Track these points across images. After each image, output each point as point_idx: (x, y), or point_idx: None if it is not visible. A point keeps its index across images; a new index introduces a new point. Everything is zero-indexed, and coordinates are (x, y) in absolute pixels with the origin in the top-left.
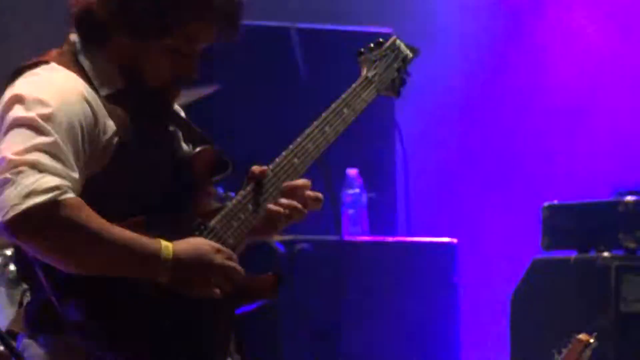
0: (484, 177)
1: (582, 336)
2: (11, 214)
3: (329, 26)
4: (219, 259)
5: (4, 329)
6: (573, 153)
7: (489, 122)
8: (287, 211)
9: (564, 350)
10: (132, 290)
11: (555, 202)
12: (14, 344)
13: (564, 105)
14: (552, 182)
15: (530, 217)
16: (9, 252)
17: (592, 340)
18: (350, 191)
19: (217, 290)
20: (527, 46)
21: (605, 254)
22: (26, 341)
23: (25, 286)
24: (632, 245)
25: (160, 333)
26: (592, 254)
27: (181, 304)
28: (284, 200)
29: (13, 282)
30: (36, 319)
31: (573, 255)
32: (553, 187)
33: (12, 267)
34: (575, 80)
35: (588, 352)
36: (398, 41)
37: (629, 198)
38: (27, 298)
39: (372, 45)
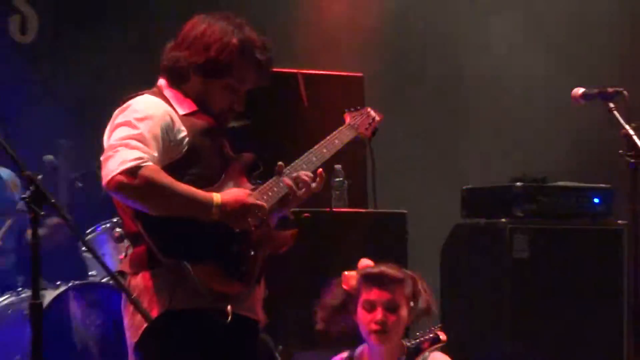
0: (425, 167)
1: None
2: (110, 176)
3: (322, 71)
4: (250, 199)
5: (115, 271)
6: (485, 149)
7: (429, 126)
8: (299, 185)
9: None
10: (201, 227)
11: (470, 185)
12: (123, 280)
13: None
14: (470, 171)
15: (454, 195)
16: (115, 219)
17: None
18: (337, 179)
19: (252, 222)
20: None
21: (503, 220)
22: (130, 278)
23: (127, 243)
24: (520, 214)
25: (218, 257)
26: (495, 220)
27: (236, 236)
28: (300, 174)
29: (118, 239)
30: (136, 261)
31: (482, 220)
32: (470, 174)
33: (117, 229)
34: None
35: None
36: (369, 109)
37: (518, 184)
38: (130, 250)
39: (353, 108)
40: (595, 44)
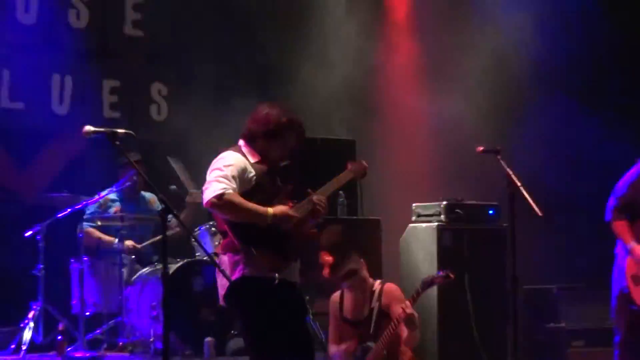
0: (391, 192)
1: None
2: (207, 199)
3: (330, 136)
4: (290, 212)
5: (211, 253)
6: (428, 181)
7: (394, 167)
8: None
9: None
10: (262, 228)
11: (419, 203)
12: (216, 258)
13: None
14: (417, 193)
15: (408, 208)
16: (210, 223)
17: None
18: (340, 199)
19: (291, 225)
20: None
21: (436, 223)
22: (221, 256)
23: (219, 236)
24: (446, 220)
25: (274, 242)
26: (431, 223)
27: (282, 233)
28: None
29: (213, 234)
30: (224, 247)
31: (424, 224)
32: (417, 195)
33: (212, 228)
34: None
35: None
36: (362, 161)
37: (444, 202)
38: (221, 240)
39: (355, 159)
40: (484, 110)
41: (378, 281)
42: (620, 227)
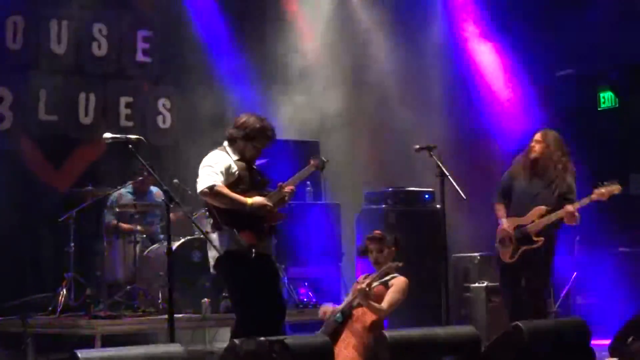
0: (347, 181)
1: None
2: (200, 189)
3: (300, 138)
4: (265, 201)
5: (205, 231)
6: (377, 171)
7: (347, 157)
8: (288, 192)
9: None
10: (241, 213)
11: (370, 190)
12: (209, 235)
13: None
14: (368, 181)
15: (361, 195)
16: (205, 208)
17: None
18: (307, 187)
19: (264, 211)
20: None
21: (384, 205)
22: (211, 234)
23: (211, 220)
24: (390, 203)
25: (251, 224)
26: (380, 206)
27: (258, 217)
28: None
29: (207, 217)
30: (213, 226)
31: (374, 206)
32: (368, 182)
33: (206, 212)
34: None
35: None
36: (322, 156)
37: (390, 189)
38: (211, 222)
39: (314, 155)
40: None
41: (397, 275)
42: (498, 207)
